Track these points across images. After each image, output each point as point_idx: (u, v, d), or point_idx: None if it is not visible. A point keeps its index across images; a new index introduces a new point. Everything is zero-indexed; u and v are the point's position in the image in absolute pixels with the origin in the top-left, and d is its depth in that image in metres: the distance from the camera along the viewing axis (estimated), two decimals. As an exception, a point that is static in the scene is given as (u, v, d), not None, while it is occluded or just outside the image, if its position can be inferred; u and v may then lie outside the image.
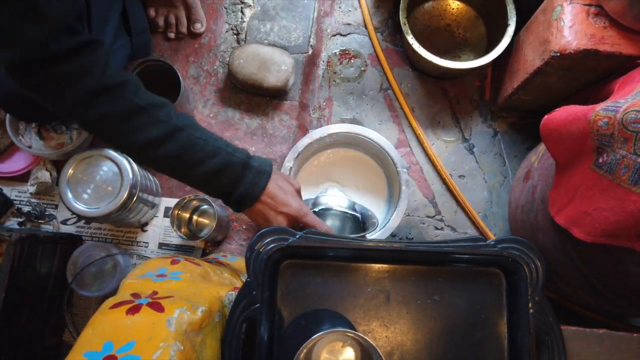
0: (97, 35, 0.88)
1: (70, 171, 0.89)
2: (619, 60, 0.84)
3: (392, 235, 1.13)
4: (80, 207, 0.88)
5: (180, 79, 0.98)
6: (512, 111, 1.15)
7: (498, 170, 1.15)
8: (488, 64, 1.06)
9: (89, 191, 0.90)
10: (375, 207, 1.08)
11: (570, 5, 0.85)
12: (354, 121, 1.18)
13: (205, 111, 1.11)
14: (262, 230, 0.61)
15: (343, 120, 1.18)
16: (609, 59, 0.84)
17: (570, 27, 0.84)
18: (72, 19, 0.62)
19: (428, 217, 1.13)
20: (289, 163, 1.02)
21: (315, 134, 1.03)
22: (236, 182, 0.69)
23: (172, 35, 1.13)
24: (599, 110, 0.66)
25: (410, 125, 1.17)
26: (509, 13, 1.07)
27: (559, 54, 0.85)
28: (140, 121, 0.63)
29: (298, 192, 0.77)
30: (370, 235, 0.97)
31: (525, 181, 0.96)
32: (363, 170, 1.10)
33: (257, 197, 0.70)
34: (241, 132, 1.10)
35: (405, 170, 1.01)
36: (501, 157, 1.15)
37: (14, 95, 0.83)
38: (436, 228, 1.12)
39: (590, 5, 0.85)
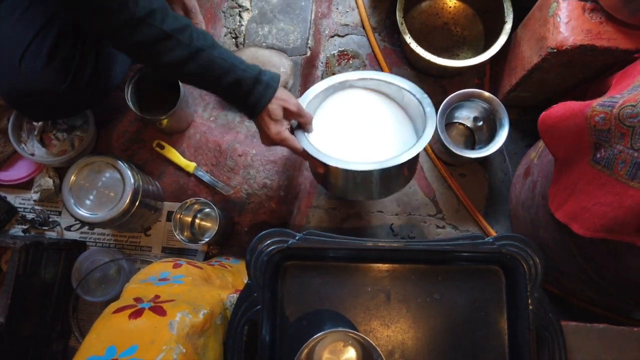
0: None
1: (73, 178, 0.90)
2: (616, 55, 0.84)
3: (394, 234, 1.13)
4: (83, 213, 0.89)
5: (180, 84, 0.98)
6: (511, 108, 1.15)
7: (498, 167, 1.15)
8: (486, 61, 1.06)
9: (91, 197, 0.91)
10: (402, 145, 0.88)
11: (566, 2, 0.85)
12: (353, 121, 1.18)
13: (205, 115, 1.12)
14: (262, 233, 0.62)
15: (343, 121, 1.19)
16: (606, 54, 0.84)
17: (566, 23, 0.84)
18: None
19: (430, 215, 1.13)
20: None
21: (324, 83, 0.93)
22: (247, 94, 0.79)
23: (171, 40, 1.14)
24: (596, 106, 0.66)
25: (410, 125, 1.17)
26: (505, 10, 1.07)
27: (555, 50, 0.85)
28: (167, 45, 0.74)
29: (293, 114, 0.84)
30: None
31: (525, 178, 0.96)
32: (383, 109, 0.93)
33: (263, 107, 0.80)
34: (241, 135, 1.10)
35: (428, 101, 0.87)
36: (501, 154, 1.15)
37: (23, 92, 0.84)
38: (438, 227, 1.12)
39: (586, 0, 0.85)
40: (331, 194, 1.13)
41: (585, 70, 0.92)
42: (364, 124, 0.89)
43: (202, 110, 1.12)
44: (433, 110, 0.84)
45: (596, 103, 0.67)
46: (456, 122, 1.17)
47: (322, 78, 1.21)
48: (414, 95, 0.87)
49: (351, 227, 1.13)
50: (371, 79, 0.91)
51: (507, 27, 1.05)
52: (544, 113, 0.75)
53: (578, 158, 0.71)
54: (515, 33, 1.05)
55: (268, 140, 0.84)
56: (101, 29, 0.73)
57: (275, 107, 0.81)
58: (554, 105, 0.74)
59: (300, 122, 0.86)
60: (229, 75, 0.77)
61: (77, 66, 0.86)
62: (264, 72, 0.81)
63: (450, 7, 1.20)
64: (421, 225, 1.13)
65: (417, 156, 0.83)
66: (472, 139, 1.16)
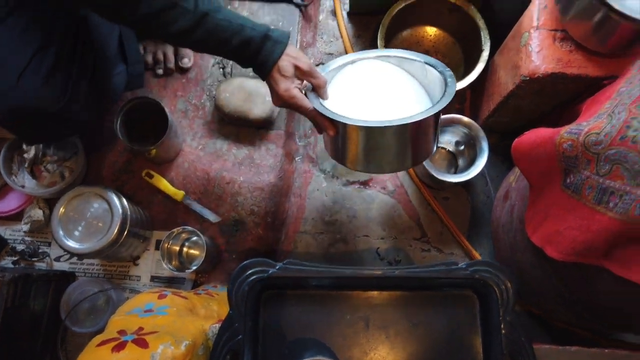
0: (99, 58, 0.94)
1: (62, 210, 0.92)
2: (586, 82, 0.88)
3: (380, 258, 1.15)
4: (71, 244, 0.91)
5: (168, 114, 1.01)
6: (491, 132, 1.18)
7: (481, 190, 1.18)
8: (466, 87, 1.09)
9: (80, 228, 0.92)
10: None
11: (537, 31, 0.89)
12: (339, 147, 1.21)
13: (194, 144, 1.14)
14: (244, 263, 0.63)
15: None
16: (577, 81, 0.88)
17: (538, 52, 0.88)
18: None
19: (415, 239, 1.15)
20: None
21: (341, 59, 0.89)
22: (256, 53, 0.78)
23: (160, 71, 1.17)
24: (564, 133, 0.69)
25: (394, 149, 1.20)
26: (483, 39, 1.11)
27: (528, 78, 0.89)
28: (174, 14, 0.74)
29: (305, 72, 0.81)
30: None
31: (505, 201, 0.98)
32: (401, 79, 0.88)
33: (273, 64, 0.78)
34: (229, 163, 1.13)
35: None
36: (483, 177, 1.18)
37: (21, 110, 0.85)
38: (423, 250, 1.14)
39: (556, 30, 0.88)
40: (314, 225, 1.14)
41: (558, 97, 0.96)
42: (381, 92, 0.84)
43: (191, 139, 1.15)
44: (454, 80, 0.80)
45: (564, 130, 0.70)
46: (439, 147, 1.19)
47: (308, 106, 1.24)
48: (435, 68, 0.83)
49: (338, 252, 1.15)
50: (393, 56, 0.87)
51: (485, 54, 1.09)
52: (516, 140, 0.78)
53: (550, 183, 0.74)
54: (493, 60, 1.09)
55: (277, 98, 0.81)
56: (106, 4, 0.74)
57: (285, 63, 0.79)
58: (525, 132, 0.77)
59: (313, 84, 0.82)
60: (236, 36, 0.76)
61: (75, 82, 0.88)
62: (273, 30, 0.79)
63: (431, 35, 1.24)
64: (407, 248, 1.15)
65: (438, 118, 0.79)
66: (455, 162, 1.19)
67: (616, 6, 0.73)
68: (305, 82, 0.82)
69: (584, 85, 0.89)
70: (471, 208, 1.18)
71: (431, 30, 1.24)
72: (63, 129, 0.95)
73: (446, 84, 0.78)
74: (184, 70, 1.18)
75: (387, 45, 1.14)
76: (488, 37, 1.10)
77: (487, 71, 1.10)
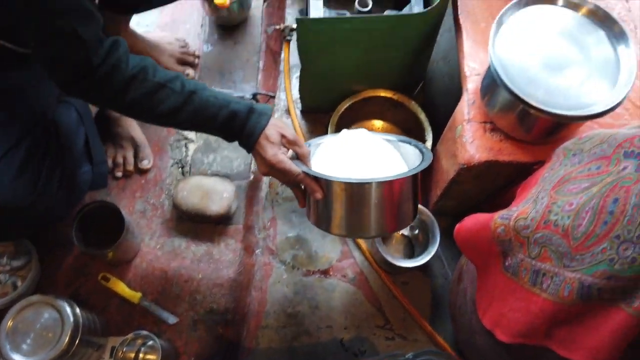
0: (67, 157, 0.96)
1: (10, 323, 0.89)
2: (518, 167, 0.94)
3: (345, 349, 1.13)
4: (18, 359, 0.87)
5: (125, 217, 1.02)
6: (443, 216, 1.23)
7: (439, 273, 1.20)
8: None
9: (29, 340, 0.89)
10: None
11: (469, 124, 0.97)
12: (298, 238, 1.23)
13: (152, 243, 1.15)
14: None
15: (288, 239, 1.24)
16: (510, 167, 0.94)
17: (471, 142, 0.95)
18: (100, 34, 0.75)
19: (378, 327, 1.14)
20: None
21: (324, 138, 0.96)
22: (243, 124, 0.81)
23: (119, 174, 1.20)
24: (497, 218, 0.74)
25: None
26: (425, 130, 1.20)
27: (465, 166, 0.95)
28: (162, 95, 0.78)
29: (290, 142, 0.85)
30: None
31: (458, 284, 1.01)
32: (381, 146, 0.92)
33: (260, 133, 0.82)
34: (187, 261, 1.13)
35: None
36: (440, 260, 1.21)
37: None
38: (387, 338, 1.13)
39: (485, 122, 0.96)
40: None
41: (497, 181, 1.02)
42: (363, 158, 0.87)
43: (149, 239, 1.15)
44: (429, 150, 0.89)
45: (497, 215, 0.74)
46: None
47: (266, 199, 1.28)
48: (409, 144, 0.93)
49: (302, 345, 1.13)
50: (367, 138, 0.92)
51: (428, 144, 1.17)
52: (457, 225, 0.82)
53: (493, 266, 0.77)
54: (436, 149, 1.17)
55: (264, 164, 0.83)
56: (99, 94, 0.78)
57: (272, 131, 0.82)
58: (465, 218, 0.82)
59: (298, 153, 0.86)
60: (223, 110, 0.80)
61: (46, 177, 0.90)
62: (256, 104, 0.84)
63: (379, 128, 1.33)
64: (371, 337, 1.14)
65: (417, 182, 0.84)
66: (412, 246, 1.22)
67: (532, 102, 0.81)
68: (290, 152, 0.86)
69: (517, 170, 0.96)
70: (431, 291, 1.19)
71: (378, 124, 1.33)
72: (35, 221, 0.96)
73: (423, 153, 0.87)
74: (143, 172, 1.21)
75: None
76: (430, 129, 1.19)
77: (433, 160, 1.17)
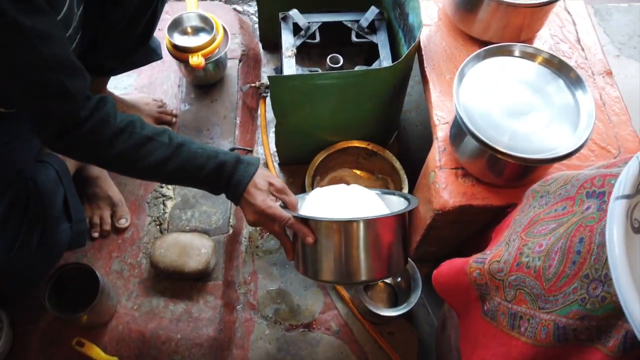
0: (46, 215, 0.95)
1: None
2: (492, 210, 0.96)
3: (331, 406, 1.09)
4: None
5: (100, 278, 1.00)
6: (424, 262, 1.23)
7: (424, 321, 1.19)
8: (393, 222, 1.17)
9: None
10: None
11: (441, 170, 0.99)
12: (279, 291, 1.21)
13: (129, 304, 1.12)
14: None
15: (269, 293, 1.22)
16: (484, 210, 0.96)
17: (444, 188, 0.97)
18: (88, 89, 0.76)
19: (364, 380, 1.11)
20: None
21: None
22: (231, 174, 0.82)
23: (96, 234, 1.18)
24: (472, 263, 0.74)
25: (335, 288, 1.21)
26: (401, 177, 1.22)
27: (440, 212, 0.96)
28: (150, 148, 0.78)
29: (278, 190, 0.85)
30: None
31: (443, 331, 0.99)
32: (367, 196, 0.93)
33: (248, 182, 0.82)
34: (166, 321, 1.10)
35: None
36: (424, 307, 1.20)
37: None
38: (374, 392, 1.10)
39: (457, 168, 0.99)
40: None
41: (474, 225, 1.03)
42: (351, 206, 0.88)
43: (126, 300, 1.12)
44: (414, 197, 0.93)
45: (472, 260, 0.75)
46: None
47: (246, 253, 1.27)
48: (393, 194, 0.97)
49: (286, 405, 1.08)
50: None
51: (404, 191, 1.19)
52: (434, 272, 0.82)
53: (473, 311, 0.77)
54: (413, 195, 1.18)
55: (253, 211, 0.82)
56: (86, 148, 0.78)
57: (260, 180, 0.83)
58: (441, 264, 0.82)
59: (286, 202, 0.86)
60: (211, 161, 0.80)
61: (24, 235, 0.89)
62: (244, 155, 0.85)
63: (356, 176, 1.35)
64: (358, 392, 1.10)
65: (405, 226, 0.87)
66: (395, 295, 1.21)
67: (499, 147, 0.84)
68: (278, 202, 0.86)
69: (492, 214, 0.98)
70: (418, 340, 1.17)
71: (355, 172, 1.35)
72: (7, 285, 0.94)
73: (408, 200, 0.90)
74: (120, 231, 1.19)
75: (315, 187, 1.22)
76: (405, 177, 1.22)
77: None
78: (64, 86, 0.72)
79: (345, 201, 0.89)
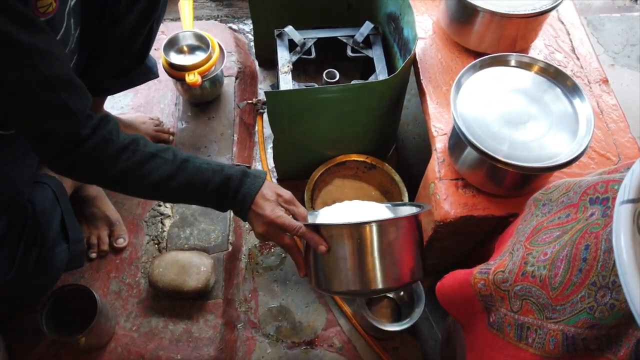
0: (43, 236, 0.94)
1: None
2: (493, 220, 0.95)
3: None
4: None
5: (98, 299, 0.98)
6: (426, 275, 1.20)
7: (428, 335, 1.17)
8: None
9: None
10: None
11: (441, 182, 0.98)
12: (280, 309, 1.20)
13: (128, 325, 1.10)
14: None
15: (270, 310, 1.20)
16: (485, 221, 0.95)
17: (444, 199, 0.96)
18: (89, 107, 0.76)
19: (369, 398, 1.09)
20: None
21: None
22: (238, 187, 0.80)
23: (94, 255, 1.17)
24: (476, 274, 0.73)
25: (337, 304, 1.20)
26: (401, 189, 1.21)
27: (442, 223, 0.95)
28: (154, 164, 0.77)
29: (287, 201, 0.83)
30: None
31: (448, 345, 0.97)
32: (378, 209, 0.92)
33: (255, 193, 0.80)
34: (166, 341, 1.08)
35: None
36: (428, 321, 1.18)
37: None
38: (379, 410, 1.07)
39: (457, 179, 0.98)
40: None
41: (476, 235, 1.02)
42: (363, 218, 0.85)
43: (125, 321, 1.10)
44: (426, 204, 0.92)
45: (476, 270, 0.74)
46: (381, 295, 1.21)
47: (246, 270, 1.25)
48: (405, 205, 0.99)
49: None
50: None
51: (404, 204, 1.18)
52: (438, 284, 0.81)
53: (478, 323, 0.75)
54: (413, 208, 1.18)
55: (262, 223, 0.79)
56: (87, 166, 0.76)
57: (268, 191, 0.81)
58: (445, 276, 0.81)
59: (295, 213, 0.84)
60: (217, 175, 0.79)
61: (22, 256, 0.88)
62: (250, 169, 0.83)
63: (355, 189, 1.34)
64: (363, 410, 1.07)
65: (421, 227, 0.86)
66: (398, 309, 1.19)
67: (498, 157, 0.84)
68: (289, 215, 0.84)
69: (493, 224, 0.97)
70: (422, 355, 1.15)
71: (355, 184, 1.34)
72: (4, 307, 0.94)
73: (420, 206, 0.90)
74: (118, 251, 1.18)
75: (314, 201, 1.22)
76: (405, 189, 1.21)
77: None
78: (65, 104, 0.71)
79: (358, 214, 0.87)
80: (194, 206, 1.26)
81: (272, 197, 0.81)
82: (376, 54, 1.22)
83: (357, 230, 0.77)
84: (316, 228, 0.80)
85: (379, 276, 0.78)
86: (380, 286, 0.78)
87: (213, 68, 1.30)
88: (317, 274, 0.82)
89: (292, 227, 0.79)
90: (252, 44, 1.60)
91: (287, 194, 0.84)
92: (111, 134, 0.76)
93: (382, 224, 0.78)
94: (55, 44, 0.71)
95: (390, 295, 1.20)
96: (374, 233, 0.77)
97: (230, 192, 0.80)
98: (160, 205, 1.25)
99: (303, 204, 1.21)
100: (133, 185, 0.80)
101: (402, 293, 1.17)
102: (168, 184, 0.78)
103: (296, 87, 1.15)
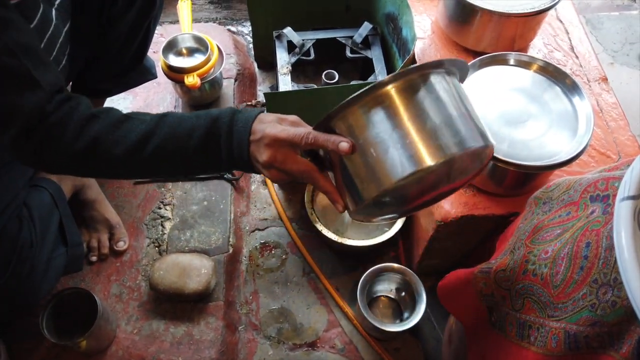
0: (40, 240, 0.93)
1: None
2: (494, 220, 0.95)
3: None
4: None
5: (99, 302, 0.98)
6: (428, 275, 1.21)
7: (430, 335, 1.16)
8: (397, 235, 1.16)
9: None
10: None
11: (442, 181, 0.98)
12: (282, 310, 1.19)
13: (129, 328, 1.09)
14: None
15: (271, 312, 1.19)
16: (486, 220, 0.95)
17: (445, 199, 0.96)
18: (59, 86, 0.70)
19: (371, 399, 1.08)
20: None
21: None
22: (231, 122, 0.65)
23: (94, 258, 1.16)
24: (477, 273, 0.73)
25: (338, 305, 1.20)
26: (401, 190, 1.21)
27: (443, 223, 0.95)
28: (128, 125, 0.67)
29: (293, 122, 0.66)
30: None
31: (449, 345, 0.97)
32: None
33: (253, 120, 0.65)
34: (167, 344, 1.07)
35: None
36: (430, 321, 1.17)
37: None
38: (382, 411, 1.07)
39: (457, 178, 0.98)
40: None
41: (477, 235, 1.02)
42: None
43: (125, 324, 1.10)
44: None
45: (477, 270, 0.74)
46: (380, 296, 1.20)
47: (247, 272, 1.25)
48: None
49: None
50: None
51: (405, 204, 1.17)
52: (439, 284, 0.81)
53: (480, 323, 0.75)
54: (414, 208, 1.17)
55: (264, 147, 0.63)
56: (52, 142, 0.67)
57: (265, 115, 0.66)
58: (446, 276, 0.81)
59: None
60: (201, 119, 0.66)
61: (18, 259, 0.87)
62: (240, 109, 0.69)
63: (356, 192, 1.34)
64: (365, 412, 1.07)
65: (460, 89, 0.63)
66: (400, 310, 1.19)
67: (498, 156, 0.84)
68: None
69: (494, 223, 0.97)
70: (424, 355, 1.15)
71: (355, 188, 1.34)
72: (3, 307, 0.92)
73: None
74: (118, 254, 1.18)
75: (316, 204, 1.22)
76: (405, 189, 1.21)
77: (411, 219, 1.18)
78: (29, 73, 0.65)
79: None
80: (194, 208, 1.26)
81: (272, 119, 0.66)
82: (375, 54, 1.22)
83: (375, 98, 0.58)
84: (328, 126, 0.62)
85: (432, 143, 0.56)
86: (444, 154, 0.56)
87: (212, 70, 1.30)
88: (352, 188, 0.60)
89: (298, 136, 0.62)
90: (251, 45, 1.60)
91: (291, 116, 0.67)
92: (79, 104, 0.68)
93: (403, 79, 0.58)
94: (19, 19, 0.66)
95: (391, 295, 1.20)
96: (401, 91, 0.58)
97: (222, 133, 0.65)
98: (160, 208, 1.25)
99: (303, 205, 1.21)
100: (106, 157, 0.67)
101: (403, 293, 1.17)
102: (145, 145, 0.65)
103: (295, 88, 1.15)
